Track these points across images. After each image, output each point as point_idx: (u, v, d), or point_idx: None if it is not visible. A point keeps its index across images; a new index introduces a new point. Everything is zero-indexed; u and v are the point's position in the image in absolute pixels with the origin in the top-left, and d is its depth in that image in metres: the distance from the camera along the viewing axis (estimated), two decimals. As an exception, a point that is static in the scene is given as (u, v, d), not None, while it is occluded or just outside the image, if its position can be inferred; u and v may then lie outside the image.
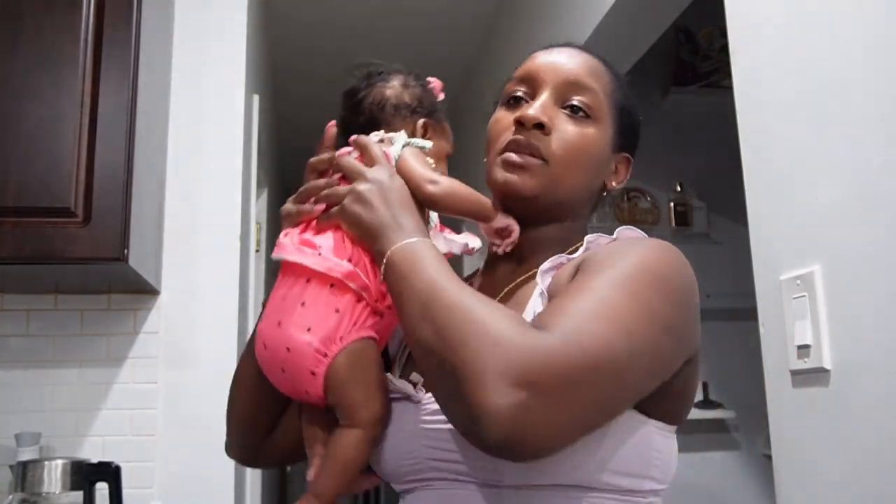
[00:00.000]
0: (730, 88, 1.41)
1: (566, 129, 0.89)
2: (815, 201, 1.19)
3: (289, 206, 0.91)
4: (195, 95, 2.15)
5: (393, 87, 0.98)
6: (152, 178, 1.94)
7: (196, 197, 2.11)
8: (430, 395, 0.82)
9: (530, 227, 0.91)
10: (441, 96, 1.02)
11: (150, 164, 1.88)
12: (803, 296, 1.19)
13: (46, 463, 1.65)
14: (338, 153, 0.92)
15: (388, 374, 0.89)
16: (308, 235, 0.88)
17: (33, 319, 1.97)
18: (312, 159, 0.94)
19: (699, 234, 3.11)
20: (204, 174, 2.12)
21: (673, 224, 3.11)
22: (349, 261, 0.85)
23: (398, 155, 0.90)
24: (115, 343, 1.99)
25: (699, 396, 2.93)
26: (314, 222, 0.90)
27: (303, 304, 0.85)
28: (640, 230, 0.88)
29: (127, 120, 1.67)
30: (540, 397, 0.66)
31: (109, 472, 1.62)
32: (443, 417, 0.76)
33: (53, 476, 1.64)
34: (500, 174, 0.88)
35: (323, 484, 0.85)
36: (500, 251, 0.92)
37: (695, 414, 2.56)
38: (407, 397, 0.85)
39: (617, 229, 0.88)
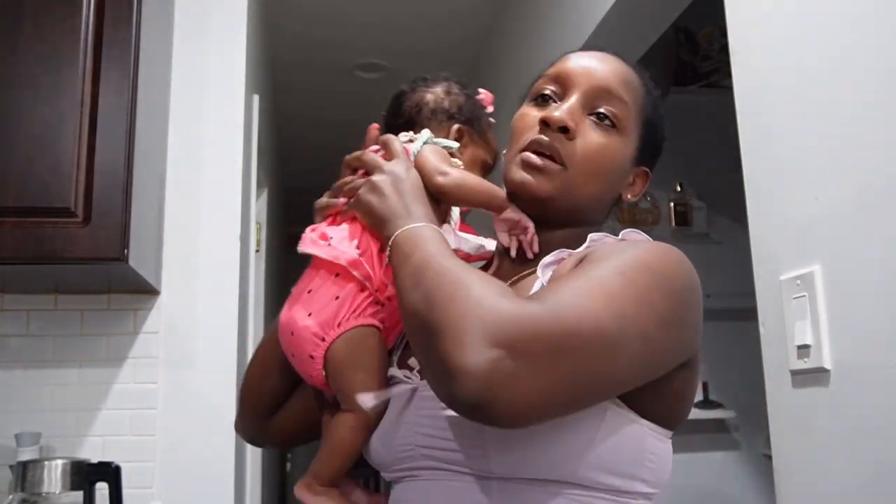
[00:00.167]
0: (730, 88, 1.41)
1: (590, 137, 0.88)
2: (815, 201, 1.19)
3: (320, 200, 0.95)
4: (195, 95, 2.15)
5: (434, 93, 1.01)
6: (152, 178, 1.94)
7: (196, 197, 2.11)
8: (425, 381, 0.82)
9: (541, 228, 0.91)
10: (489, 108, 1.04)
11: (150, 164, 1.88)
12: (803, 296, 1.19)
13: (46, 463, 1.65)
14: (366, 150, 0.96)
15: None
16: (325, 227, 0.92)
17: (33, 319, 1.97)
18: (347, 157, 0.96)
19: (699, 234, 3.10)
20: (204, 174, 2.12)
21: (673, 224, 3.10)
22: (357, 249, 0.88)
23: (417, 150, 0.93)
24: (115, 343, 1.99)
25: (699, 396, 2.93)
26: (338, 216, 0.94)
27: (309, 291, 0.90)
28: (645, 234, 0.87)
29: (127, 120, 1.67)
30: (516, 359, 0.65)
31: (109, 472, 1.62)
32: (438, 404, 0.75)
33: (53, 476, 1.64)
34: (518, 173, 0.88)
35: (318, 466, 0.88)
36: (513, 252, 0.92)
37: (695, 414, 2.56)
38: (405, 385, 0.86)
39: (622, 231, 0.87)
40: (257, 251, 2.73)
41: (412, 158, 0.92)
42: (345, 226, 0.92)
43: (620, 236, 0.87)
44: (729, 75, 1.43)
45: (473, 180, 0.92)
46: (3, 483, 1.80)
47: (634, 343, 0.72)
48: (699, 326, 0.81)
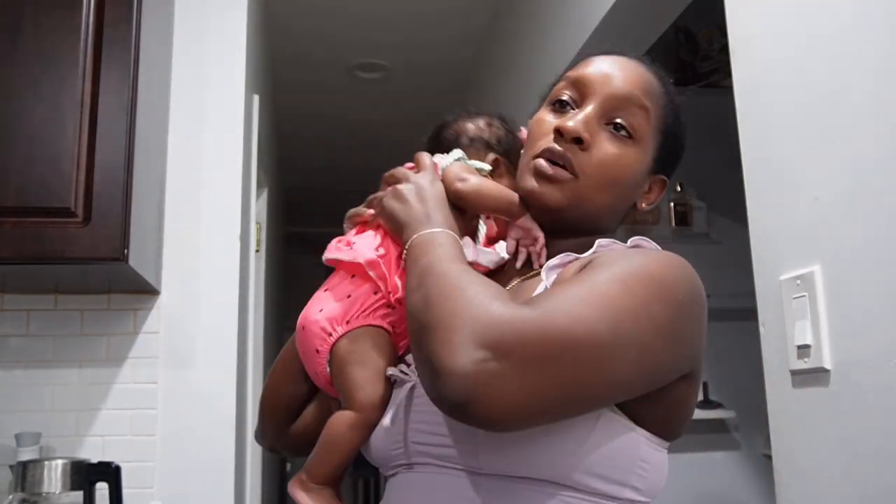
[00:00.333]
0: (730, 88, 1.41)
1: (605, 148, 0.87)
2: (815, 201, 1.19)
3: (351, 210, 0.98)
4: (195, 95, 2.15)
5: (476, 124, 1.04)
6: (152, 178, 1.94)
7: (196, 197, 2.11)
8: None
9: (551, 237, 0.91)
10: None
11: (150, 164, 1.88)
12: (803, 296, 1.19)
13: (46, 463, 1.65)
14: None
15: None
16: (350, 236, 0.95)
17: (33, 319, 1.97)
18: (385, 173, 0.98)
19: (699, 234, 3.10)
20: (204, 174, 2.12)
21: (673, 224, 3.10)
22: (376, 252, 0.90)
23: (445, 165, 0.95)
24: (115, 343, 1.99)
25: (699, 396, 2.92)
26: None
27: (326, 289, 0.93)
28: (654, 243, 0.86)
29: (127, 120, 1.67)
30: (502, 360, 0.66)
31: (109, 472, 1.62)
32: None
33: (53, 476, 1.64)
34: (530, 181, 0.88)
35: (314, 463, 0.88)
36: (518, 263, 0.93)
37: (695, 414, 2.56)
38: (404, 382, 0.86)
39: (631, 239, 0.87)
40: (257, 251, 2.73)
41: (440, 173, 0.94)
42: (369, 232, 0.94)
43: (629, 244, 0.86)
44: (729, 75, 1.43)
45: (492, 186, 0.93)
46: (3, 483, 1.80)
47: (630, 353, 0.71)
48: (701, 340, 0.80)
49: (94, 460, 1.69)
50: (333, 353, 0.89)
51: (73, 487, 1.64)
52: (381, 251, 0.90)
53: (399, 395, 0.85)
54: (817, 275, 1.17)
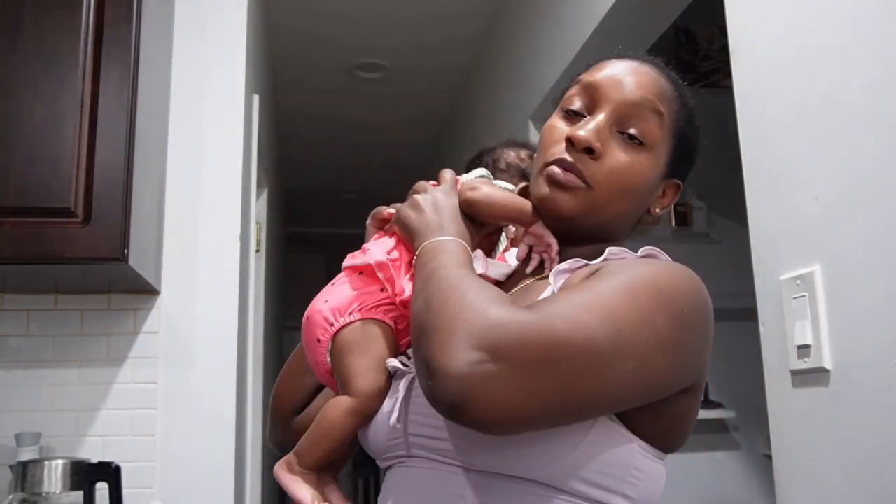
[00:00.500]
0: (730, 88, 1.41)
1: (617, 157, 0.86)
2: (815, 201, 1.19)
3: (375, 208, 0.99)
4: (195, 95, 2.15)
5: (518, 153, 1.05)
6: (152, 178, 1.94)
7: (196, 197, 2.11)
8: None
9: (564, 244, 0.90)
10: None
11: (150, 164, 1.88)
12: (803, 296, 1.19)
13: (46, 463, 1.66)
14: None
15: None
16: (367, 244, 0.97)
17: (33, 319, 1.98)
18: (414, 186, 1.00)
19: (699, 234, 3.10)
20: (204, 174, 2.12)
21: (673, 224, 3.10)
22: (388, 255, 0.92)
23: (466, 180, 0.96)
24: (115, 343, 1.99)
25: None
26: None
27: (333, 284, 0.94)
28: (665, 254, 0.86)
29: (127, 120, 1.67)
30: (498, 363, 0.66)
31: (109, 472, 1.62)
32: None
33: (53, 476, 1.64)
34: (542, 188, 0.88)
35: (304, 446, 0.88)
36: (529, 268, 0.92)
37: (695, 414, 2.56)
38: (403, 374, 0.86)
39: (642, 249, 0.86)
40: (257, 251, 2.73)
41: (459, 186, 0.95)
42: (385, 238, 0.95)
43: (640, 253, 0.86)
44: (729, 75, 1.43)
45: (502, 194, 0.93)
46: (3, 483, 1.80)
47: (629, 363, 0.70)
48: (705, 354, 0.79)
49: (94, 460, 1.69)
50: (335, 342, 0.89)
51: (73, 487, 1.64)
52: (394, 255, 0.91)
53: (399, 386, 0.86)
54: (817, 275, 1.17)
